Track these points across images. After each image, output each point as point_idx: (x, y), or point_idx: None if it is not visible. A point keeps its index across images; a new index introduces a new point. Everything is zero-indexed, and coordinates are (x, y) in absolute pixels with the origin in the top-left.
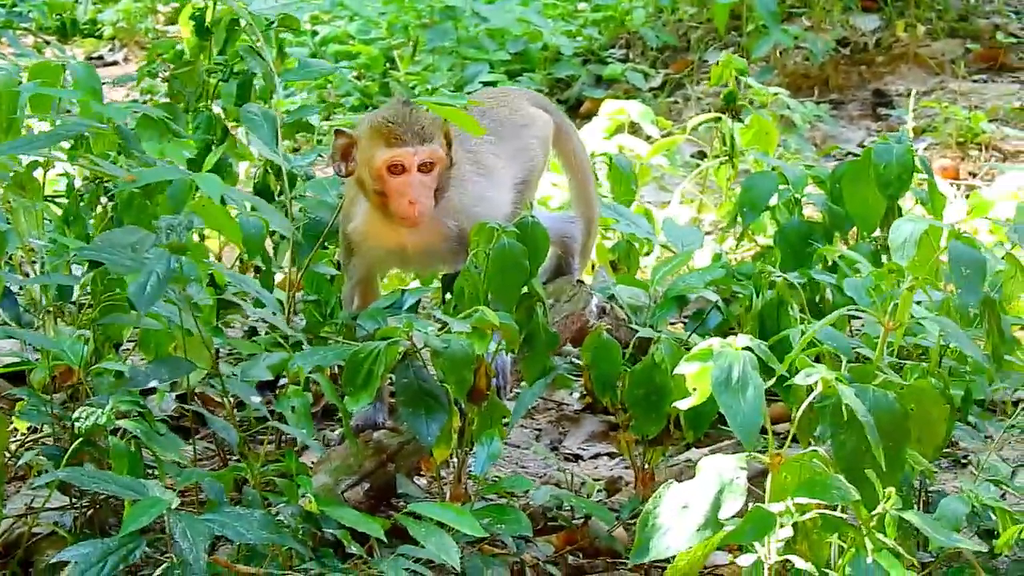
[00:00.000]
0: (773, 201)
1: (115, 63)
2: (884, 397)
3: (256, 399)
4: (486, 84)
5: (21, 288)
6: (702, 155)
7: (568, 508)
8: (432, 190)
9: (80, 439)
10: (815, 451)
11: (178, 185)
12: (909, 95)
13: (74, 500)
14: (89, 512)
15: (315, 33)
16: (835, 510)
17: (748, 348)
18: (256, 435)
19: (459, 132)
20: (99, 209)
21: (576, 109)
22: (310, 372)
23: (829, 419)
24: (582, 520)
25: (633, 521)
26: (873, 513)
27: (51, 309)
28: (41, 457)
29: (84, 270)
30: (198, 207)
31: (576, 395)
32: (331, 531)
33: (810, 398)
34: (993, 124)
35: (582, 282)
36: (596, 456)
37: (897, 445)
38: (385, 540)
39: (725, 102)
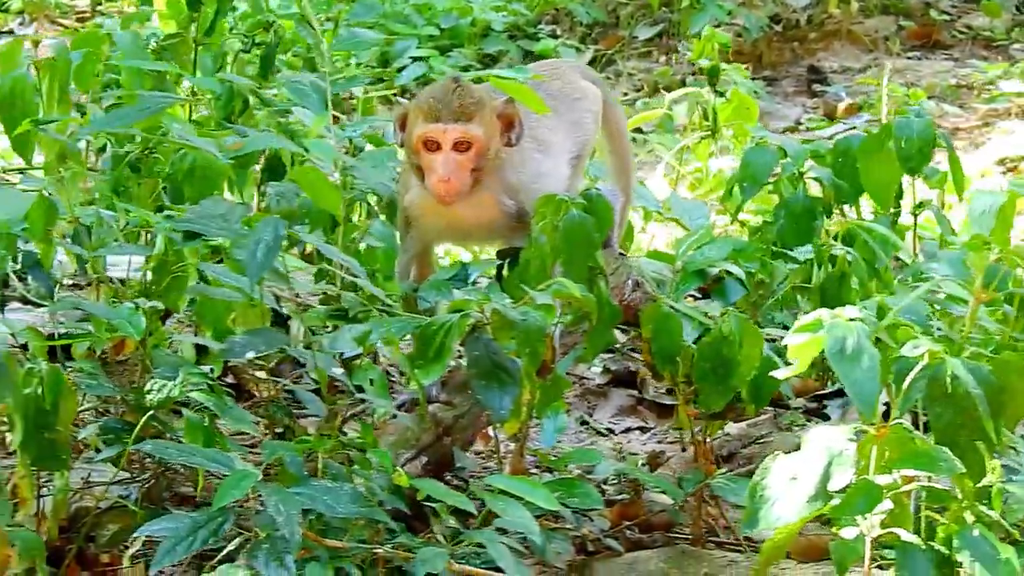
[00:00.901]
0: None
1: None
2: (979, 369)
3: (339, 371)
4: (416, 60)
5: None
6: (638, 131)
7: (615, 481)
8: (468, 170)
9: (149, 411)
10: (901, 423)
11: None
12: (843, 72)
13: (134, 474)
14: (148, 486)
15: (235, 8)
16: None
17: (859, 319)
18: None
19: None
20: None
21: None
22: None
23: (926, 391)
24: (631, 495)
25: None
26: (979, 485)
27: (93, 283)
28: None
29: (159, 240)
30: (300, 175)
31: (598, 369)
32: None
33: (915, 370)
34: (931, 101)
35: (623, 255)
36: (627, 430)
37: (993, 417)
38: (475, 513)
39: (708, 76)
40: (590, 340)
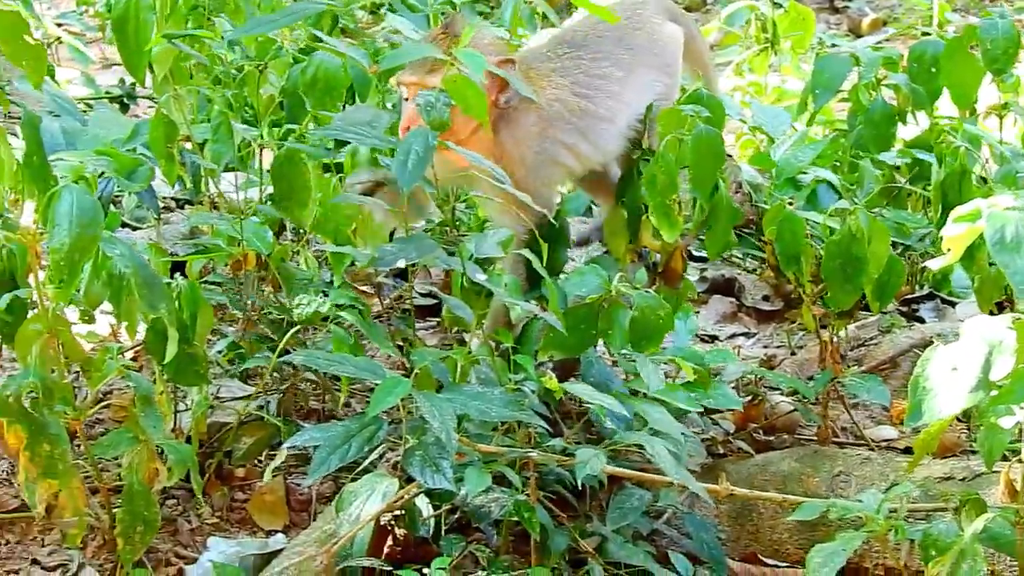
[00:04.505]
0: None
1: None
2: None
3: (481, 276)
4: None
5: None
6: None
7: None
8: None
9: (295, 327)
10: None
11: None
12: None
13: (265, 389)
14: (279, 400)
15: None
16: None
17: (1017, 208)
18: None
19: (587, 65)
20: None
21: None
22: None
23: None
24: (755, 397)
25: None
26: None
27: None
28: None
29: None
30: (449, 82)
31: (694, 277)
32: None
33: None
34: (956, 14)
35: (730, 156)
36: (732, 336)
37: None
38: (631, 417)
39: None
40: (711, 241)
